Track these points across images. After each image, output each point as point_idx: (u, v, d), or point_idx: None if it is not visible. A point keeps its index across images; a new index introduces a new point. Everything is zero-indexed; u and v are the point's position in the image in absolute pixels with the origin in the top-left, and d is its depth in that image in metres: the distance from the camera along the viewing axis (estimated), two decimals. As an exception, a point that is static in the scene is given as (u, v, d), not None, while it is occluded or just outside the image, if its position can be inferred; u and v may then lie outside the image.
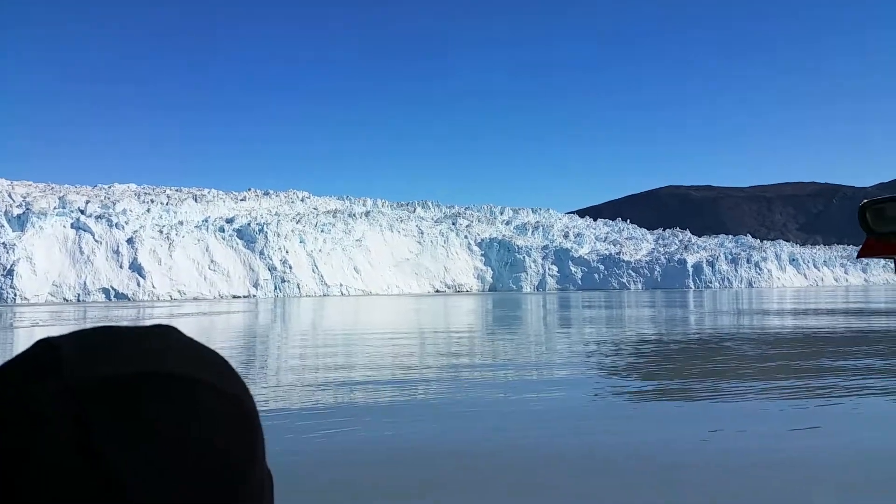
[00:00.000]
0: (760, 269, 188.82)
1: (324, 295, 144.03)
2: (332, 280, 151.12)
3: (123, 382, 0.54)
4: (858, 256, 1.56)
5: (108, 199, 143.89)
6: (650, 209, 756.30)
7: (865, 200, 1.41)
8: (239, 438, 0.59)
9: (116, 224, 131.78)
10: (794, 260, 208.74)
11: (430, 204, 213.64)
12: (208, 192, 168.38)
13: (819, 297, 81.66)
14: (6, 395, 0.54)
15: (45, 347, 0.55)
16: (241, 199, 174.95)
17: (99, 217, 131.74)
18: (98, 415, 0.52)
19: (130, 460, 0.52)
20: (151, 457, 0.53)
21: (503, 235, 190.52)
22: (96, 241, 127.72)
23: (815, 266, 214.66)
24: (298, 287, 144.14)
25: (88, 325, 0.60)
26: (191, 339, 0.62)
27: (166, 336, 0.60)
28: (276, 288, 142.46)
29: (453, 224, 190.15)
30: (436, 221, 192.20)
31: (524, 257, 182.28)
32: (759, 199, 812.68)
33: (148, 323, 0.63)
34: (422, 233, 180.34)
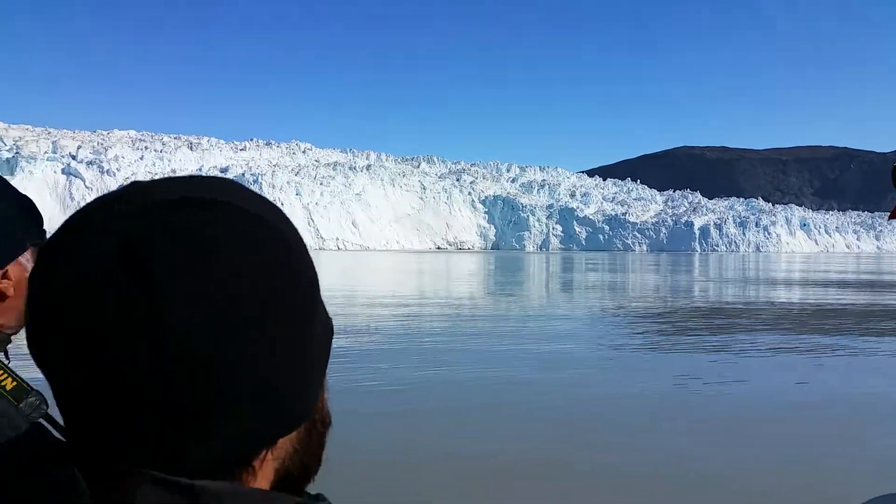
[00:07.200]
0: (769, 234, 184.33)
1: (319, 248, 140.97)
2: (328, 234, 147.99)
3: (186, 204, 0.51)
4: (890, 218, 1.51)
5: (102, 145, 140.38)
6: (664, 170, 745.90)
7: None
8: (305, 284, 0.55)
9: (108, 171, 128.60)
10: (805, 225, 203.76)
11: (435, 159, 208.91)
12: (206, 141, 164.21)
13: (828, 264, 77.90)
14: (88, 209, 0.52)
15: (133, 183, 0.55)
16: (241, 149, 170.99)
17: (90, 163, 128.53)
18: (153, 234, 0.48)
19: (180, 286, 0.47)
20: (205, 286, 0.48)
21: (507, 193, 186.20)
22: (87, 187, 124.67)
23: (826, 232, 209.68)
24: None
25: None
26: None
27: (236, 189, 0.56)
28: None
29: (457, 180, 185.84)
30: (439, 177, 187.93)
31: (528, 216, 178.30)
32: (774, 162, 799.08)
33: None
34: (424, 188, 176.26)
